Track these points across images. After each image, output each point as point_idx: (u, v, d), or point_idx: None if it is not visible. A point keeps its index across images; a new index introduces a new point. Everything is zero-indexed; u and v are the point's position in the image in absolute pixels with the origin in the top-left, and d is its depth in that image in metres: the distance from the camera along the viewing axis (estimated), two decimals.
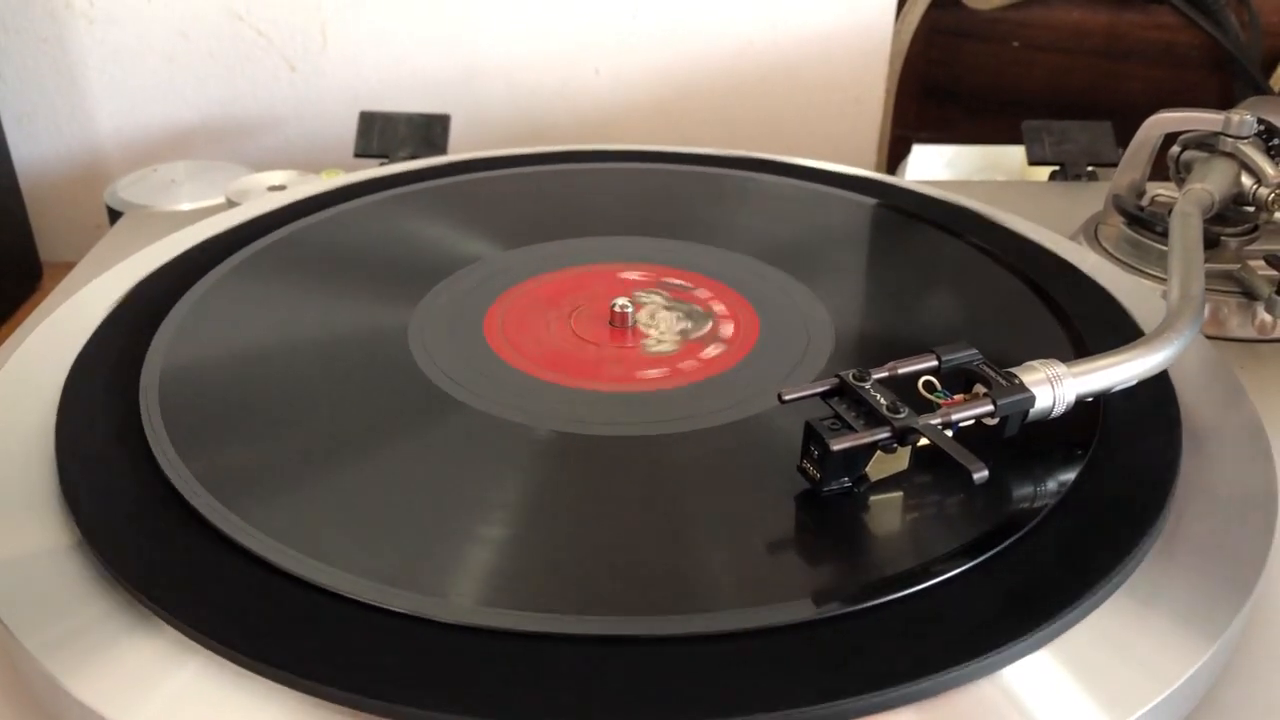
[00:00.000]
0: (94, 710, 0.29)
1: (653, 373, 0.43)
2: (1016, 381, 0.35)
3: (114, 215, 0.68)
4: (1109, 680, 0.30)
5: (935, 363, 0.36)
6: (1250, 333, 0.52)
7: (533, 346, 0.45)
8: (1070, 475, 0.36)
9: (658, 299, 0.49)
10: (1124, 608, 0.32)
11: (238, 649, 0.29)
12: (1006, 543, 0.33)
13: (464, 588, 0.32)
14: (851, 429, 0.34)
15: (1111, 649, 0.31)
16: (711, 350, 0.45)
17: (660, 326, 0.47)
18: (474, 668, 0.29)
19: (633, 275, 0.51)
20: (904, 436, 0.34)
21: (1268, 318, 0.52)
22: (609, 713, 0.28)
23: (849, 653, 0.30)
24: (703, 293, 0.49)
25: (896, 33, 0.86)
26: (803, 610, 0.31)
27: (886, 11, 0.83)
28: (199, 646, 0.30)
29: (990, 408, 0.34)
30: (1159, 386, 0.40)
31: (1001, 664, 0.30)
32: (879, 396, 0.34)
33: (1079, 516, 0.35)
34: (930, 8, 0.87)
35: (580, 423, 0.40)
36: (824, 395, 0.35)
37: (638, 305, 0.47)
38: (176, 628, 0.30)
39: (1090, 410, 0.38)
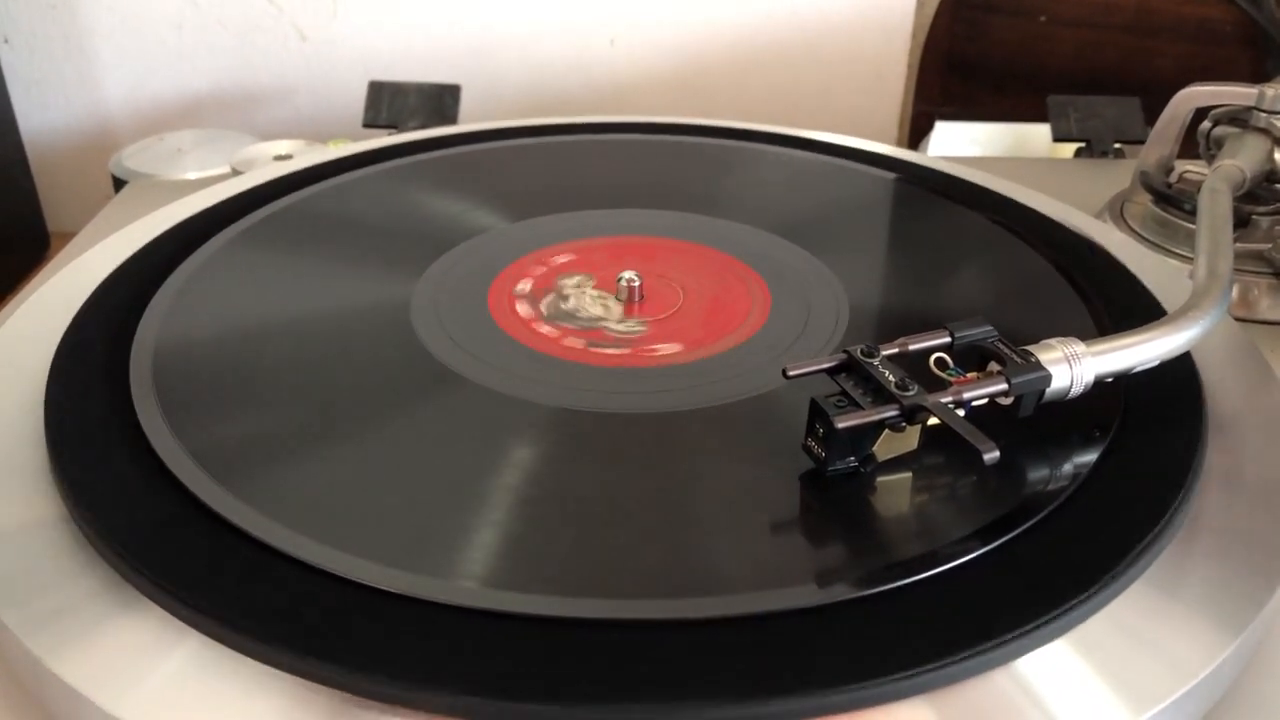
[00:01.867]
0: (79, 692, 0.28)
1: (661, 349, 0.42)
2: (1033, 360, 0.34)
3: (119, 184, 0.67)
4: (1128, 672, 0.29)
5: (948, 339, 0.35)
6: None
7: (537, 320, 0.44)
8: (1090, 459, 0.35)
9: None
10: (1145, 597, 0.31)
11: (231, 630, 0.29)
12: (1022, 528, 0.32)
13: (466, 569, 0.32)
14: (858, 406, 0.33)
15: (1131, 640, 0.30)
16: (722, 325, 0.44)
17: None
18: (476, 651, 0.28)
19: (644, 249, 0.50)
20: (912, 415, 0.33)
21: None
22: (614, 696, 0.27)
23: (859, 640, 0.29)
24: (715, 268, 0.48)
25: (920, 6, 0.85)
26: (812, 595, 0.30)
27: None
28: (190, 628, 0.29)
29: (1004, 386, 0.33)
30: (1183, 368, 0.39)
31: (1017, 654, 0.29)
32: (887, 373, 0.33)
33: (1098, 502, 0.34)
34: None
35: (585, 399, 0.39)
36: (831, 371, 0.34)
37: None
38: (167, 608, 0.30)
39: (1112, 392, 0.37)
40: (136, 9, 0.79)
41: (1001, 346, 0.34)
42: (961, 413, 0.33)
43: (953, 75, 0.91)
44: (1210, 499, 0.35)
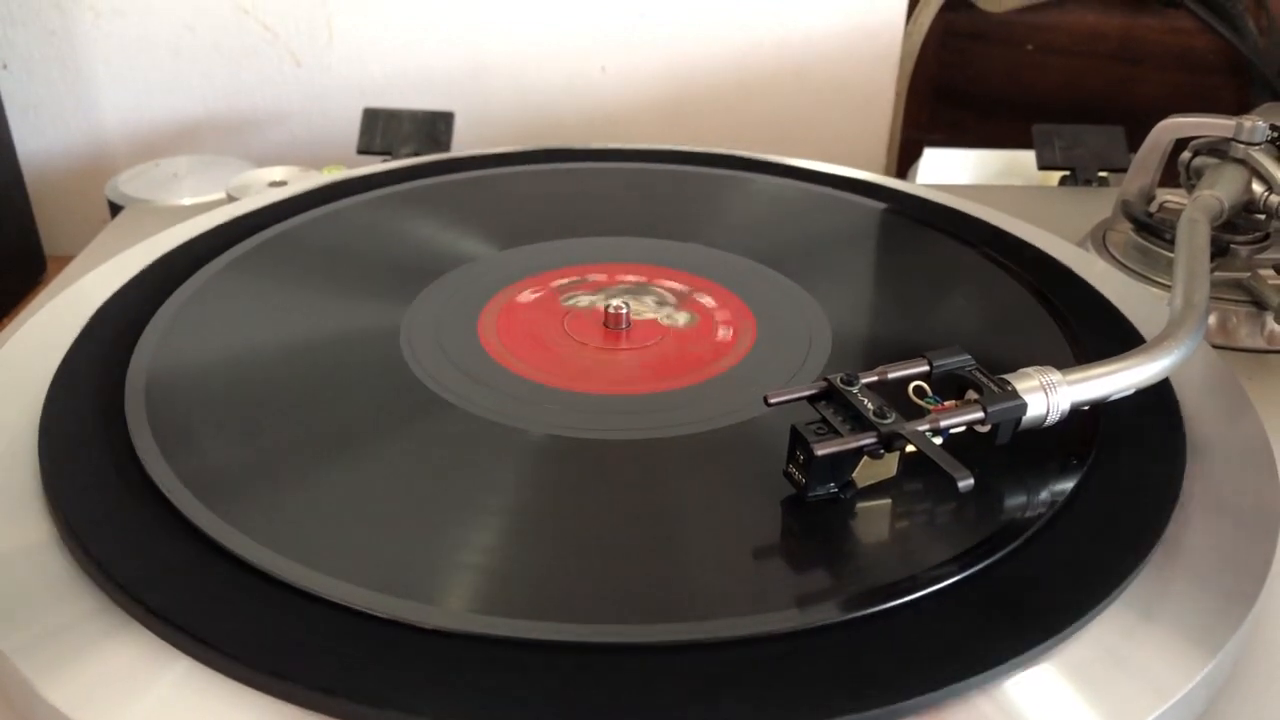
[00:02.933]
0: (69, 717, 0.28)
1: (647, 377, 0.43)
2: (1009, 388, 0.34)
3: (115, 209, 0.68)
4: (1108, 693, 0.29)
5: (926, 367, 0.36)
6: (1259, 343, 0.51)
7: (526, 348, 0.45)
8: (1069, 484, 0.36)
9: (650, 300, 0.48)
10: (1124, 619, 0.32)
11: (221, 654, 0.29)
12: (1004, 552, 0.33)
13: (454, 594, 0.32)
14: (838, 433, 0.33)
15: (1111, 661, 0.30)
16: (707, 353, 0.44)
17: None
18: (463, 675, 0.28)
19: (631, 277, 0.50)
20: (890, 442, 0.33)
21: (1277, 328, 0.51)
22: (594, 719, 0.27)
23: (842, 664, 0.29)
24: (706, 298, 0.49)
25: (908, 34, 0.85)
26: (795, 620, 0.30)
27: (897, 13, 0.83)
28: (180, 652, 0.29)
29: (981, 414, 0.34)
30: (1162, 396, 0.40)
31: (999, 676, 0.29)
32: (866, 401, 0.34)
33: (1079, 526, 0.34)
34: (943, 9, 0.87)
35: (572, 426, 0.39)
36: (811, 399, 0.35)
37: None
38: (158, 632, 0.30)
39: (1091, 419, 0.38)
40: (134, 35, 0.79)
41: (979, 375, 0.35)
42: (939, 440, 0.33)
43: (941, 103, 0.92)
44: (1188, 523, 0.35)
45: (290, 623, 0.30)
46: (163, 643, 0.30)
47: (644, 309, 0.47)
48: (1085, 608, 0.31)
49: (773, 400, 0.35)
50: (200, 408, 0.40)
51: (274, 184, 0.67)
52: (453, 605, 0.31)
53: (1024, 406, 0.34)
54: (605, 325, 0.46)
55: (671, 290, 0.49)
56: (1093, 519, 0.34)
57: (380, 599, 0.30)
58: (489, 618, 0.30)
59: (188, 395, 0.41)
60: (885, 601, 0.31)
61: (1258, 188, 0.53)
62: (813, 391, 0.35)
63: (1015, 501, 0.35)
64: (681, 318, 0.47)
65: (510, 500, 0.36)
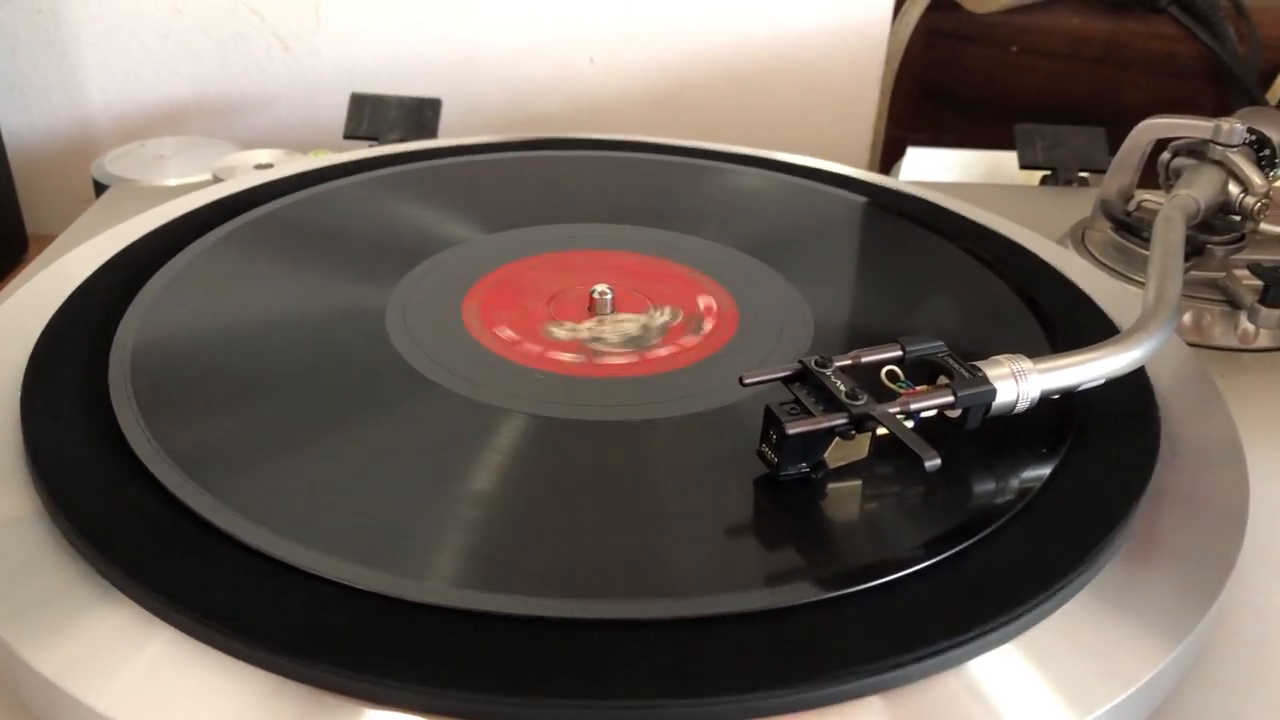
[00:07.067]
0: (54, 684, 0.28)
1: (628, 360, 0.43)
2: (980, 374, 0.35)
3: (100, 188, 0.68)
4: (1073, 677, 0.30)
5: (899, 352, 0.36)
6: (1233, 341, 0.52)
7: (509, 329, 0.45)
8: (1042, 473, 0.36)
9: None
10: (1091, 606, 0.32)
11: (204, 624, 0.29)
12: (976, 537, 0.33)
13: (436, 568, 0.32)
14: (810, 414, 0.34)
15: (1077, 646, 0.31)
16: (689, 339, 0.45)
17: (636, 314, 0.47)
18: (445, 647, 0.29)
19: (616, 263, 0.51)
20: (861, 423, 0.34)
21: (1250, 327, 0.51)
22: (569, 693, 0.28)
23: (814, 640, 0.29)
24: (684, 284, 0.49)
25: (894, 33, 0.86)
26: (766, 599, 0.31)
27: (884, 11, 0.83)
28: (163, 622, 0.30)
29: (951, 399, 0.34)
30: (1137, 390, 0.40)
31: (967, 657, 0.30)
32: (839, 383, 0.34)
33: (1050, 514, 0.35)
34: (929, 9, 0.87)
35: (554, 408, 0.40)
36: (785, 380, 0.35)
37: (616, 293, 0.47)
38: (141, 602, 0.30)
39: (1065, 409, 0.38)
40: (121, 16, 0.79)
41: (951, 361, 0.36)
42: (910, 424, 0.34)
43: (925, 102, 0.92)
44: (1157, 515, 0.36)
45: (273, 595, 0.30)
46: (146, 613, 0.30)
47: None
48: (1052, 593, 0.31)
49: (748, 380, 0.35)
50: (185, 382, 0.40)
51: (260, 166, 0.67)
52: (435, 579, 0.31)
53: (993, 392, 0.35)
54: (590, 310, 0.46)
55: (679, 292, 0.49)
56: (1064, 506, 0.35)
57: (363, 572, 0.31)
58: (472, 592, 0.30)
59: (172, 369, 0.41)
60: (855, 582, 0.31)
61: (1234, 189, 0.53)
62: (787, 373, 0.35)
63: (988, 488, 0.36)
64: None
65: (491, 479, 0.36)
